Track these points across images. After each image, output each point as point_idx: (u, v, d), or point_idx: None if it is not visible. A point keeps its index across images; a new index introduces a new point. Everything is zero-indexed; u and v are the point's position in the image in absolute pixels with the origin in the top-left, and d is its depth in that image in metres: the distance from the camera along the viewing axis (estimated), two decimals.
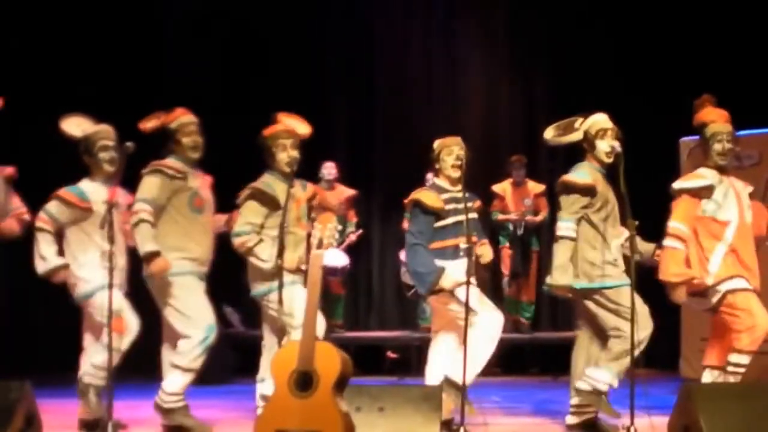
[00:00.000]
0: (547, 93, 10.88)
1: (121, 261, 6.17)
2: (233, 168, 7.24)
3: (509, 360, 9.72)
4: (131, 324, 6.06)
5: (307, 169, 6.38)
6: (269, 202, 6.10)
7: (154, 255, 5.92)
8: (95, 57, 9.84)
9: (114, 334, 5.73)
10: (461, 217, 6.06)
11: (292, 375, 4.50)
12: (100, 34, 9.88)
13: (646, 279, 5.96)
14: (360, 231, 10.22)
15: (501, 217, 10.09)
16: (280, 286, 5.73)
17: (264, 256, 6.03)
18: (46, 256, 6.08)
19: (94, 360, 6.04)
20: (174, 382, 6.03)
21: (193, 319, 6.04)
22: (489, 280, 6.35)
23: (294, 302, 5.90)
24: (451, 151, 6.24)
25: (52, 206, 6.14)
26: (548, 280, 6.03)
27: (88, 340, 6.23)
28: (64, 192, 6.17)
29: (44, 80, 9.46)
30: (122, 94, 9.18)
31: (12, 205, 6.43)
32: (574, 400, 6.13)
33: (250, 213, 6.12)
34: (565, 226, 6.00)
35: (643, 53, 10.28)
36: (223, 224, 6.39)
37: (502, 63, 11.30)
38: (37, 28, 9.63)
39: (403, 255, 9.61)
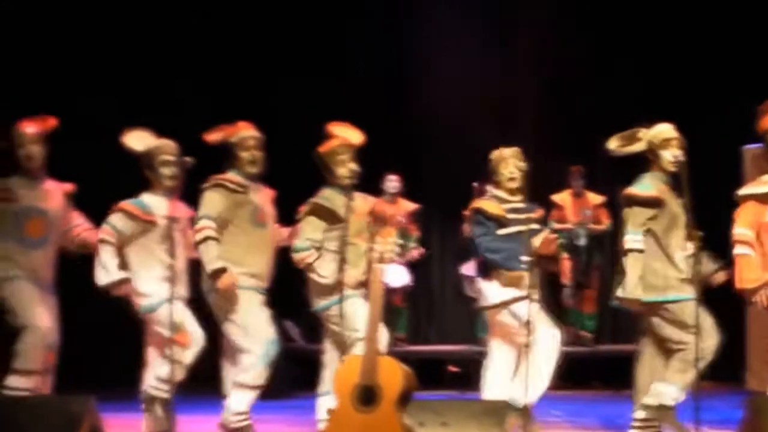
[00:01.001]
0: (607, 103, 10.75)
1: (183, 275, 6.19)
2: (292, 180, 7.26)
3: (571, 373, 9.62)
4: (196, 337, 6.08)
5: (369, 182, 6.36)
6: (329, 217, 6.10)
7: (222, 271, 5.94)
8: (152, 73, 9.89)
9: (177, 347, 5.80)
10: (523, 227, 6.03)
11: (355, 389, 4.49)
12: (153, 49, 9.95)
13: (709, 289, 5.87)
14: (423, 250, 10.17)
15: (557, 226, 10.00)
16: (341, 300, 5.74)
17: (323, 272, 6.04)
18: (108, 268, 6.06)
19: (158, 372, 6.04)
20: (239, 400, 6.02)
21: (252, 333, 6.03)
22: (548, 292, 6.24)
23: (356, 315, 5.90)
24: (507, 163, 6.21)
25: (117, 219, 6.13)
26: (619, 293, 5.93)
27: (151, 354, 6.23)
28: (128, 204, 6.16)
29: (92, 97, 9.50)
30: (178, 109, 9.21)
31: (73, 222, 6.49)
32: (639, 414, 6.03)
33: (309, 228, 6.13)
34: (632, 239, 5.91)
35: (705, 60, 10.16)
36: (286, 237, 6.40)
37: (560, 73, 11.19)
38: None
39: (464, 269, 9.61)
